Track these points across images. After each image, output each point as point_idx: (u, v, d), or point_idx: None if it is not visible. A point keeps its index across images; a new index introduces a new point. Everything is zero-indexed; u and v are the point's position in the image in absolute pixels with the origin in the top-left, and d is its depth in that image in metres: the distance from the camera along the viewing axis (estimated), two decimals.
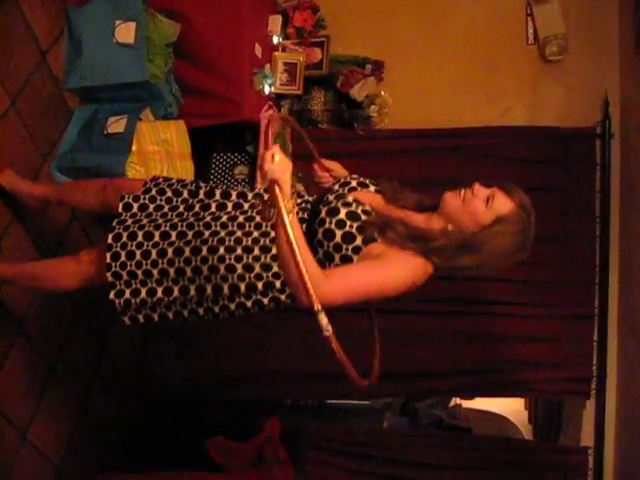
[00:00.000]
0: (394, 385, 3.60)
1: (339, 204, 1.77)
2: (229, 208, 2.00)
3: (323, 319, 1.27)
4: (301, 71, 3.66)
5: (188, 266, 1.91)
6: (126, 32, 2.90)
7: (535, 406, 4.82)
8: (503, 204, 1.72)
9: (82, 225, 3.02)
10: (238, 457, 3.25)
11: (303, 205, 1.92)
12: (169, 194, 2.06)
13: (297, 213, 1.64)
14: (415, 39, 3.93)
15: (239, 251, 1.89)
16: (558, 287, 3.53)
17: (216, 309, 1.95)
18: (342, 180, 1.95)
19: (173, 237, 1.94)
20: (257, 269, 1.89)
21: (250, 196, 2.04)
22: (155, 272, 1.93)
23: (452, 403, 5.00)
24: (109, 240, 1.96)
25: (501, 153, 3.62)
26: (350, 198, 1.81)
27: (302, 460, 3.41)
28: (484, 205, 1.72)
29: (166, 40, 3.08)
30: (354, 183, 1.91)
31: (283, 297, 1.92)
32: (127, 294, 1.94)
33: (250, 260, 1.89)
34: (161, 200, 2.05)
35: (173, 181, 2.12)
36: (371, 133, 3.75)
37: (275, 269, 1.89)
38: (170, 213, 2.02)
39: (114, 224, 1.99)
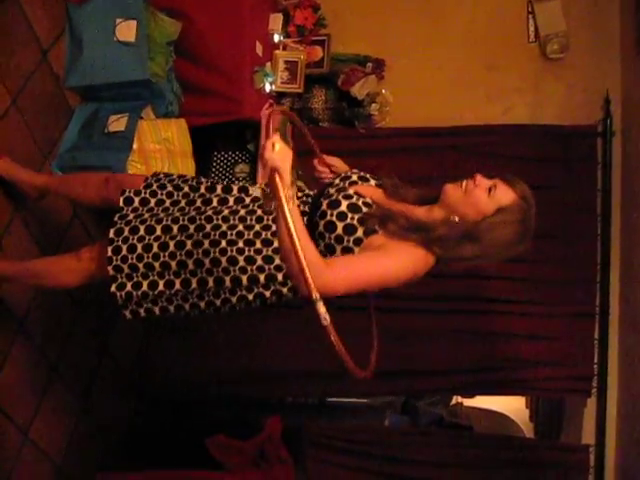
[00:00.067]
0: (395, 383, 3.61)
1: (340, 197, 1.78)
2: (231, 202, 2.01)
3: (321, 308, 1.27)
4: (302, 69, 3.65)
5: (190, 259, 1.92)
6: (127, 30, 2.91)
7: (536, 404, 4.81)
8: (505, 194, 1.73)
9: (83, 223, 3.02)
10: (239, 455, 3.25)
11: (304, 199, 1.93)
12: (170, 189, 2.07)
13: (298, 206, 1.65)
14: (416, 37, 3.93)
15: (241, 244, 1.91)
16: (559, 285, 3.53)
17: (218, 302, 1.95)
18: (343, 174, 1.96)
19: (175, 231, 1.94)
20: (259, 262, 1.90)
21: (251, 190, 2.05)
22: (157, 265, 1.93)
23: (453, 401, 5.00)
24: (111, 234, 1.96)
25: (502, 151, 3.62)
26: (351, 191, 1.82)
27: (303, 458, 3.42)
28: (486, 195, 1.73)
29: (167, 38, 3.08)
30: (355, 177, 1.92)
31: (285, 290, 1.93)
32: (128, 287, 1.94)
33: (252, 253, 1.90)
34: (162, 194, 2.06)
35: (174, 176, 2.13)
36: (372, 131, 3.75)
37: (277, 262, 1.90)
38: (172, 207, 2.03)
39: (116, 219, 2.00)
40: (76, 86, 2.92)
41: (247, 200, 2.01)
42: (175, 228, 1.95)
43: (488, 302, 3.54)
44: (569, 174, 3.57)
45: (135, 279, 1.94)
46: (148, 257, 1.93)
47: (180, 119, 3.14)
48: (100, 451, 3.28)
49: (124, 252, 1.94)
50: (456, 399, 5.01)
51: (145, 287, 1.94)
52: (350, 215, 1.73)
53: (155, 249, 1.93)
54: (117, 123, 2.88)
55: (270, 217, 1.93)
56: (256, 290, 1.93)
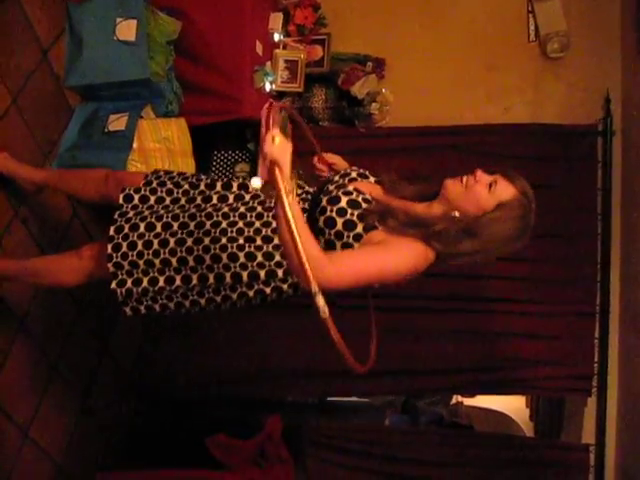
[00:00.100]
0: (395, 383, 3.61)
1: (340, 193, 1.79)
2: (230, 199, 2.01)
3: (320, 301, 1.27)
4: (302, 69, 3.65)
5: (190, 255, 1.93)
6: (127, 29, 2.90)
7: (536, 403, 4.81)
8: (505, 190, 1.75)
9: (83, 223, 3.02)
10: (239, 455, 3.25)
11: (304, 196, 1.94)
12: (170, 186, 2.07)
13: (298, 202, 1.65)
14: (416, 36, 3.92)
15: (241, 241, 1.91)
16: (559, 284, 3.53)
17: (218, 299, 1.95)
18: (342, 171, 1.97)
19: (175, 227, 1.95)
20: (259, 258, 1.91)
21: (251, 187, 2.04)
22: (157, 261, 1.93)
23: (453, 401, 5.00)
24: (111, 232, 1.97)
25: (502, 150, 3.62)
26: (350, 187, 1.83)
27: (303, 457, 3.42)
28: (487, 191, 1.74)
29: (167, 38, 3.08)
30: (354, 174, 1.94)
31: (285, 287, 1.94)
32: (129, 283, 1.94)
33: (252, 249, 1.91)
34: (162, 192, 2.06)
35: (174, 173, 2.13)
36: (372, 131, 3.75)
37: (277, 258, 1.90)
38: (172, 205, 2.03)
39: (116, 216, 2.00)
40: (76, 85, 2.92)
41: (247, 197, 2.01)
42: (175, 225, 1.95)
43: (488, 301, 3.54)
44: (569, 173, 3.57)
45: (135, 275, 1.94)
46: (148, 254, 1.94)
47: (180, 118, 3.14)
48: (100, 450, 3.28)
49: (124, 249, 1.94)
50: (456, 398, 5.01)
51: (145, 283, 1.94)
52: (350, 211, 1.74)
53: (155, 246, 1.94)
54: (117, 122, 2.88)
55: (270, 214, 1.94)
56: (256, 287, 1.93)
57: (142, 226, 1.96)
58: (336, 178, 1.93)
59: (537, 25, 3.78)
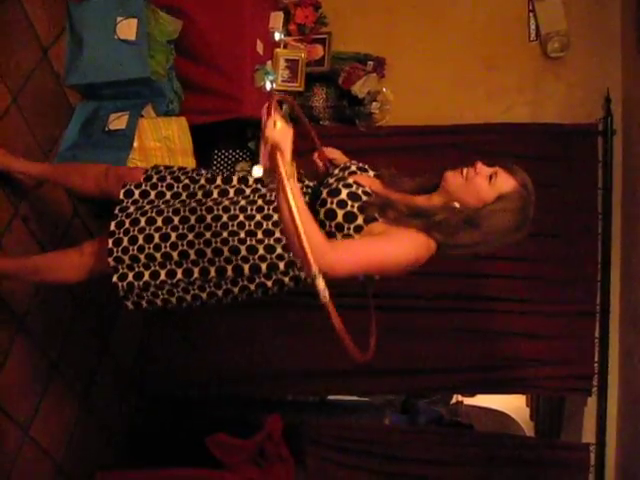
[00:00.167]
0: (395, 382, 3.61)
1: (340, 185, 1.81)
2: (231, 193, 2.01)
3: (320, 284, 1.28)
4: (302, 68, 3.66)
5: (191, 249, 1.93)
6: (127, 28, 2.91)
7: (537, 403, 4.81)
8: (505, 182, 1.76)
9: (84, 221, 3.02)
10: (239, 454, 3.24)
11: (304, 189, 1.94)
12: (170, 181, 2.07)
13: (301, 190, 1.66)
14: (417, 36, 3.93)
15: (242, 235, 1.91)
16: (559, 284, 3.53)
17: (219, 293, 1.96)
18: (342, 165, 1.98)
19: (176, 221, 1.95)
20: (261, 251, 1.91)
21: (251, 181, 2.05)
22: (158, 255, 1.94)
23: (453, 400, 5.01)
24: (112, 227, 1.97)
25: (502, 150, 3.62)
26: (350, 180, 1.84)
27: (303, 456, 3.42)
28: (487, 182, 1.75)
29: (167, 37, 3.09)
30: (354, 167, 1.95)
31: (287, 279, 1.94)
32: (130, 277, 1.94)
33: (254, 242, 1.91)
34: (162, 187, 2.06)
35: (174, 168, 2.13)
36: (372, 130, 3.75)
37: (279, 251, 1.91)
38: (172, 199, 2.03)
39: (116, 212, 2.00)
40: (77, 84, 2.92)
41: (247, 191, 2.02)
42: (176, 219, 1.95)
43: (488, 301, 3.54)
44: (570, 173, 3.57)
45: (136, 269, 1.94)
46: (149, 248, 1.94)
47: (181, 117, 3.14)
48: (100, 449, 3.28)
49: (125, 244, 1.94)
50: (456, 398, 5.01)
51: (147, 277, 1.94)
52: (350, 203, 1.76)
53: (156, 240, 1.94)
54: (118, 121, 2.89)
55: (271, 207, 1.94)
56: (258, 280, 1.93)
57: (143, 220, 1.96)
58: (336, 171, 1.94)
59: (538, 25, 3.78)
